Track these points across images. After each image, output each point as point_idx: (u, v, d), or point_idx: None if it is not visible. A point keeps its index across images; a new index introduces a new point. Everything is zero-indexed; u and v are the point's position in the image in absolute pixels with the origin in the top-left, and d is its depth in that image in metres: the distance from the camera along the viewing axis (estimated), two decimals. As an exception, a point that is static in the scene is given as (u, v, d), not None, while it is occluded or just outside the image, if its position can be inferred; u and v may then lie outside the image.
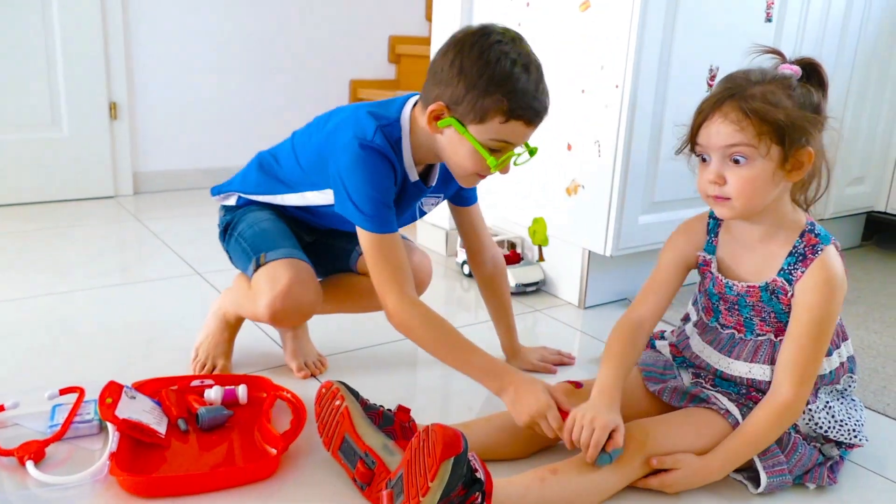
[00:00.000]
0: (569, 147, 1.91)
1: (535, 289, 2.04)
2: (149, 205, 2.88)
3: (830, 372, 1.19)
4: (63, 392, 1.27)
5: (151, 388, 1.31)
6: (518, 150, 1.24)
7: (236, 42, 3.16)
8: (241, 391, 1.32)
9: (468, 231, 1.51)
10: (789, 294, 1.14)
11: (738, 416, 1.16)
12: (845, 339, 1.22)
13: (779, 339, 1.18)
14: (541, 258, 2.07)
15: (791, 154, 1.07)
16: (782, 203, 1.14)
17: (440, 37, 2.29)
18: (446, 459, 0.89)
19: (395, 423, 1.12)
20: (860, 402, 1.25)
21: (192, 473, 1.11)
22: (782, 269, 1.14)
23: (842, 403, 1.21)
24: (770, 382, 1.18)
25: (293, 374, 1.46)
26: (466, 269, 2.13)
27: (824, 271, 1.11)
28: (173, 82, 3.04)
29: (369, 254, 1.24)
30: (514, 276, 1.99)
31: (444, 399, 1.45)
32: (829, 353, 1.18)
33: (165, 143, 3.08)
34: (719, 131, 1.08)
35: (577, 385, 1.26)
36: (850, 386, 1.24)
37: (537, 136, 1.99)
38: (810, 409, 1.17)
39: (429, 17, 3.65)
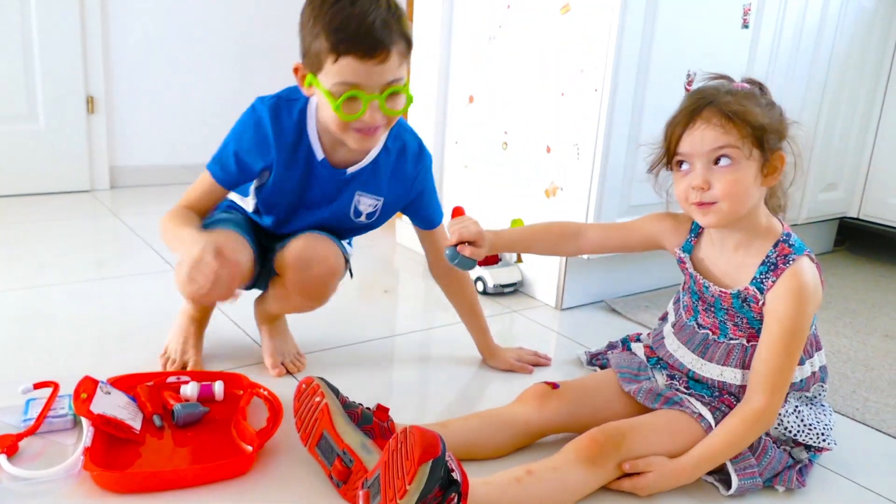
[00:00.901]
0: (548, 149, 1.93)
1: (512, 290, 2.05)
2: (125, 199, 2.86)
3: (801, 380, 1.21)
4: (37, 386, 1.25)
5: (127, 384, 1.30)
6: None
7: (215, 37, 3.14)
8: (218, 387, 1.31)
9: (431, 250, 1.52)
10: (760, 303, 1.16)
11: (711, 420, 1.17)
12: (819, 348, 1.24)
13: (751, 344, 1.20)
14: (519, 259, 2.09)
15: (768, 157, 1.10)
16: (757, 212, 1.17)
17: (419, 34, 2.30)
18: (424, 463, 0.89)
19: (374, 422, 1.12)
20: (829, 407, 1.27)
21: (167, 470, 1.10)
22: (755, 277, 1.16)
23: (811, 408, 1.24)
24: (741, 386, 1.20)
25: (269, 371, 1.46)
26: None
27: (794, 282, 1.13)
28: (151, 77, 3.02)
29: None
30: (492, 276, 2.00)
31: (420, 398, 1.45)
32: (802, 363, 1.20)
33: (143, 138, 3.06)
34: (704, 136, 1.10)
35: (554, 386, 1.27)
36: (819, 394, 1.26)
37: (519, 137, 2.01)
38: (779, 414, 1.19)
39: (409, 17, 3.65)
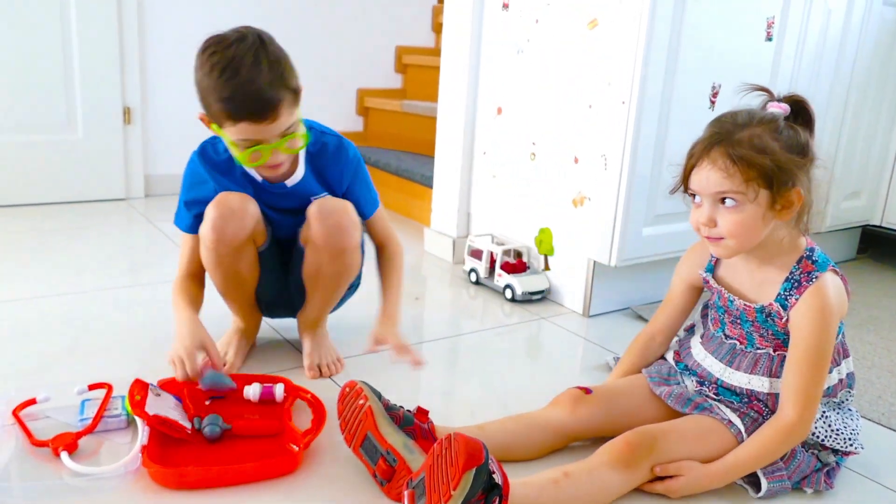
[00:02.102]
0: (576, 160, 1.97)
1: (540, 297, 2.09)
2: (159, 207, 2.93)
3: (828, 387, 1.24)
4: (91, 387, 1.32)
5: (175, 386, 1.36)
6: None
7: (247, 49, 3.21)
8: (279, 390, 1.36)
9: (373, 237, 1.59)
10: (784, 319, 1.19)
11: (741, 426, 1.21)
12: (846, 356, 1.27)
13: (777, 353, 1.23)
14: (546, 267, 2.13)
15: (779, 197, 1.12)
16: (776, 236, 1.19)
17: (448, 47, 2.35)
18: (468, 470, 0.94)
19: (415, 423, 1.17)
20: (856, 412, 1.31)
21: (220, 467, 1.16)
22: (779, 294, 1.19)
23: (838, 413, 1.27)
24: (768, 394, 1.23)
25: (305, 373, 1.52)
26: (473, 276, 2.18)
27: (818, 299, 1.16)
28: (186, 88, 3.05)
29: None
30: (521, 284, 2.05)
31: (449, 402, 1.49)
32: (829, 371, 1.22)
33: (176, 148, 3.11)
34: (708, 178, 1.13)
35: (587, 391, 1.31)
36: (847, 399, 1.29)
37: (547, 148, 2.05)
38: None
39: (435, 29, 3.71)
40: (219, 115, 1.29)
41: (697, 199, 1.18)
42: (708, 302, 1.37)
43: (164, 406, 1.25)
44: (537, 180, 2.12)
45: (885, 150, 2.64)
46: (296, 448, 1.20)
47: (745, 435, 1.21)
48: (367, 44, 3.52)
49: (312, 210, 1.42)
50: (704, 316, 1.38)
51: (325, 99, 3.44)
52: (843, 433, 1.24)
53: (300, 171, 1.47)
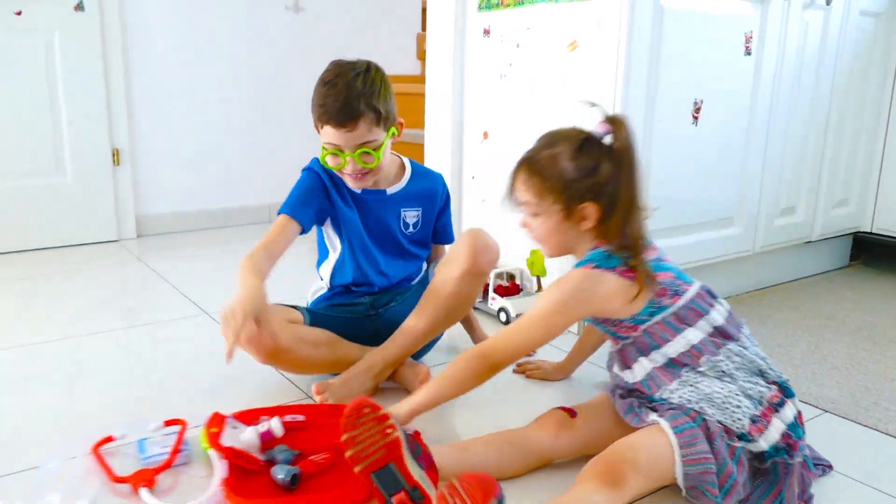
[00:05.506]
0: (563, 180, 1.98)
1: (534, 318, 2.09)
2: (152, 247, 2.94)
3: (681, 357, 1.21)
4: (167, 423, 1.38)
5: (250, 419, 1.38)
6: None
7: (234, 87, 3.24)
8: (276, 425, 1.34)
9: (437, 256, 1.80)
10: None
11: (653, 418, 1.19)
12: (688, 325, 1.22)
13: (616, 347, 1.30)
14: (539, 289, 2.13)
15: (572, 210, 1.24)
16: (583, 244, 1.29)
17: (432, 74, 2.38)
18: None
19: (423, 452, 1.17)
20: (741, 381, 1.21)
21: (302, 496, 1.18)
22: None
23: (716, 382, 1.20)
24: (635, 384, 1.27)
25: None
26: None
27: (557, 281, 1.26)
28: (173, 128, 3.12)
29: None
30: (515, 306, 2.05)
31: (437, 424, 1.49)
32: (679, 331, 1.22)
33: (166, 187, 3.14)
34: (517, 190, 1.31)
35: (572, 414, 1.30)
36: (718, 366, 1.21)
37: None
38: (670, 389, 1.21)
39: (420, 56, 3.74)
40: (315, 121, 1.53)
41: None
42: None
43: (239, 438, 1.29)
44: (526, 202, 2.13)
45: (869, 157, 2.66)
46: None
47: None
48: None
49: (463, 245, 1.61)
50: None
51: (315, 130, 3.46)
52: (715, 398, 1.18)
53: (401, 185, 1.68)
